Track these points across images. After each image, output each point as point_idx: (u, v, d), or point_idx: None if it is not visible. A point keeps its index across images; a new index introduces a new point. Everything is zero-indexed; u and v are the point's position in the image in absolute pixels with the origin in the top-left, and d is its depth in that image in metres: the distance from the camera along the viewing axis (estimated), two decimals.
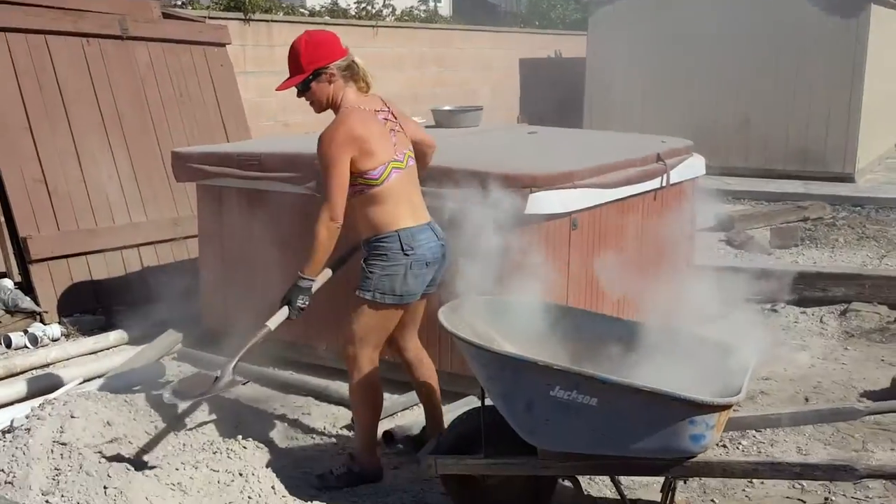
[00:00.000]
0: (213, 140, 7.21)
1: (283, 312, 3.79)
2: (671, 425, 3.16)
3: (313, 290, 3.78)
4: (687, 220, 6.03)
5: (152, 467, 3.84)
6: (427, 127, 6.80)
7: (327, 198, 3.65)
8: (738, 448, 4.34)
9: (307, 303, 3.76)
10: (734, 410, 3.45)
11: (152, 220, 6.77)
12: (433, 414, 4.15)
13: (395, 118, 3.88)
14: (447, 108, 6.87)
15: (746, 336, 5.91)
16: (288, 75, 3.85)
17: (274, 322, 3.79)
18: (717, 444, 4.09)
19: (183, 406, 4.02)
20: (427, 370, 4.14)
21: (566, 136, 6.82)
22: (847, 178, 11.50)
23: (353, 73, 3.80)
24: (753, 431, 4.38)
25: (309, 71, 3.75)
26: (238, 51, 8.50)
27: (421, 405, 4.25)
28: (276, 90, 3.92)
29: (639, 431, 3.20)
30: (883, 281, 6.71)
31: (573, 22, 18.13)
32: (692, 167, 5.98)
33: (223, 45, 7.81)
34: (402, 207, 3.78)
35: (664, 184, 5.53)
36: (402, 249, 3.73)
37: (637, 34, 12.25)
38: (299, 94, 3.83)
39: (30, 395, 4.80)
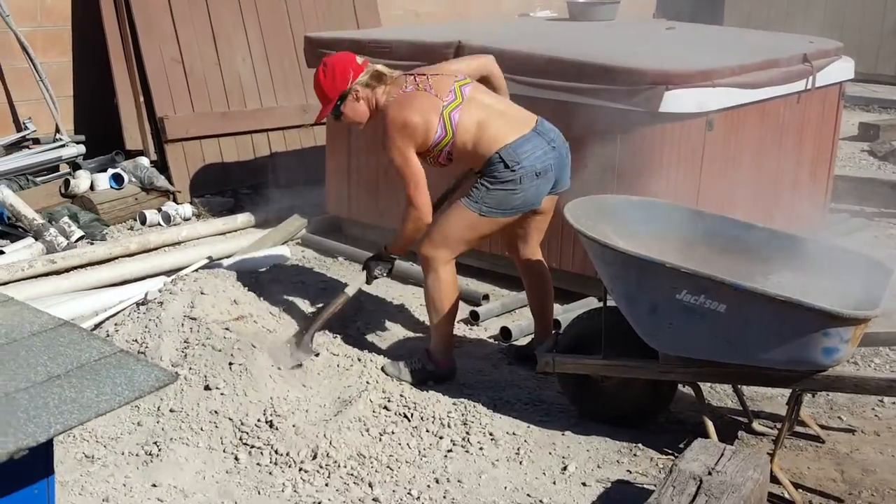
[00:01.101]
0: (345, 27, 7.17)
1: (361, 279, 4.01)
2: (804, 336, 3.04)
3: (392, 267, 4.01)
4: (830, 127, 5.73)
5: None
6: (560, 20, 6.63)
7: (410, 201, 3.73)
8: (869, 365, 4.18)
9: (384, 274, 4.00)
10: (869, 325, 3.29)
11: (282, 106, 6.83)
12: (543, 321, 4.11)
13: (424, 74, 3.85)
14: (582, 0, 6.63)
15: (885, 248, 5.68)
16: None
17: (351, 289, 4.02)
18: (848, 361, 3.94)
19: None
20: (542, 275, 4.08)
21: (706, 32, 6.52)
22: None
23: (379, 79, 3.84)
24: (887, 349, 4.21)
25: (335, 98, 3.83)
26: None
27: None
28: (314, 123, 4.18)
29: (768, 341, 3.09)
30: None
31: None
32: (841, 70, 5.64)
33: None
34: (492, 129, 3.73)
35: (809, 86, 5.24)
36: (508, 167, 3.68)
37: None
38: (336, 119, 3.92)
39: (163, 271, 4.96)
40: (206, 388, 3.51)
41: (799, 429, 3.55)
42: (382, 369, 3.86)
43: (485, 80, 3.98)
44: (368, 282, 4.03)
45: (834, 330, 3.00)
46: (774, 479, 3.16)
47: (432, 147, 3.75)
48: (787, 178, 5.32)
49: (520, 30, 5.95)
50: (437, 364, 3.89)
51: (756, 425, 3.61)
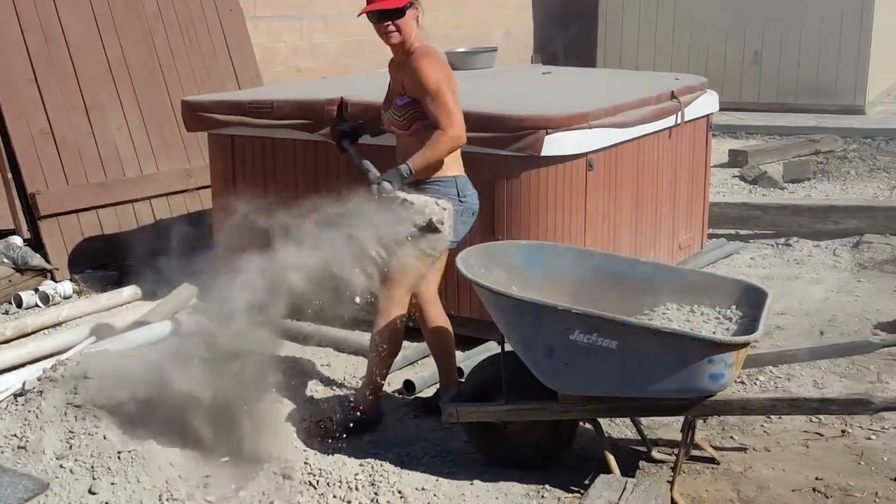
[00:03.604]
0: (224, 88, 7.15)
1: (386, 185, 3.69)
2: (690, 365, 3.18)
3: (405, 184, 3.70)
4: (701, 157, 6.00)
5: (168, 427, 3.83)
6: None
7: (449, 115, 3.68)
8: (755, 384, 4.36)
9: (392, 190, 3.66)
10: (752, 348, 3.46)
11: (164, 172, 6.72)
12: (446, 369, 4.14)
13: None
14: (461, 49, 6.78)
15: (762, 269, 5.95)
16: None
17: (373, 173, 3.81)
18: (735, 381, 4.11)
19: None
20: (443, 325, 4.12)
21: (580, 75, 6.76)
22: (858, 111, 11.40)
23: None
24: (771, 367, 4.40)
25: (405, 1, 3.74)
26: None
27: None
28: (366, 11, 3.78)
29: (658, 372, 3.22)
30: (894, 212, 6.70)
31: None
32: (706, 104, 5.94)
33: None
34: (456, 156, 3.85)
35: (679, 121, 5.49)
36: (458, 195, 3.79)
37: None
38: (382, 21, 3.75)
39: (42, 356, 4.68)
40: (94, 479, 3.38)
41: (695, 452, 3.68)
42: (320, 424, 3.86)
43: None
44: (375, 188, 3.69)
45: (718, 356, 3.14)
46: None
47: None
48: (666, 209, 5.54)
49: None
50: (365, 411, 3.94)
51: (655, 453, 3.73)
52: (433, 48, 3.84)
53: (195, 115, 5.39)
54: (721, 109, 6.54)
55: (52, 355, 4.63)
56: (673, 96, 5.48)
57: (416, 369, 4.60)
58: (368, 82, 6.17)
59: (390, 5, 3.73)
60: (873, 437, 3.88)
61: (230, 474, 3.54)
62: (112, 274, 6.12)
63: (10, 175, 6.03)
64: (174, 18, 7.16)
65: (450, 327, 4.14)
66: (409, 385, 4.37)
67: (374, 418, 3.96)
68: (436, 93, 3.70)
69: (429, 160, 3.71)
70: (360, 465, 3.56)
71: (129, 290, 5.76)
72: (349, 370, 4.66)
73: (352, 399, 4.01)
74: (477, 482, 3.49)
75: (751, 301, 3.50)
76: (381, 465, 3.55)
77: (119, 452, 3.48)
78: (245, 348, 3.99)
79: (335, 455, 3.66)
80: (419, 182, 3.78)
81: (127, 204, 6.49)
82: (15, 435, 3.63)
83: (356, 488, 3.42)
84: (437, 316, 4.10)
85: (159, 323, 5.06)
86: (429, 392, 4.31)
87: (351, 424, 3.85)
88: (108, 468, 3.41)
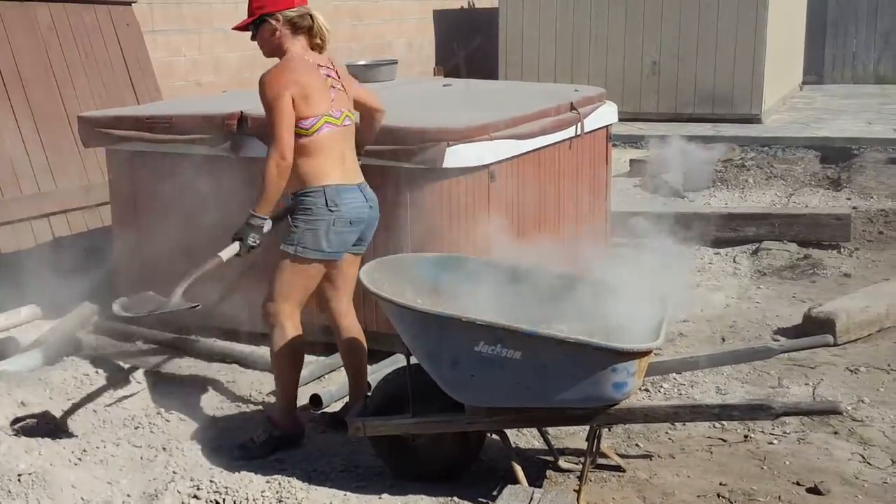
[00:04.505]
0: (123, 102, 7.00)
1: (234, 248, 3.73)
2: (594, 374, 3.22)
3: (265, 230, 3.73)
4: (602, 167, 6.10)
5: (71, 448, 3.76)
6: None
7: (274, 136, 3.66)
8: (659, 391, 4.44)
9: (258, 242, 3.72)
10: (654, 355, 3.52)
11: (62, 189, 6.55)
12: (357, 383, 4.14)
13: (339, 77, 3.91)
14: (362, 62, 6.78)
15: (665, 276, 6.07)
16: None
17: (225, 254, 3.73)
18: (640, 389, 4.18)
19: (132, 314, 3.77)
20: (356, 338, 4.12)
21: (481, 87, 6.81)
22: (754, 120, 11.74)
23: (305, 27, 3.83)
24: (674, 374, 4.49)
25: (256, 15, 3.80)
26: (145, 9, 8.23)
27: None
28: (232, 29, 4.01)
29: (563, 382, 3.25)
30: (791, 219, 6.94)
31: None
32: (605, 115, 6.04)
33: (129, 3, 7.56)
34: (332, 164, 3.79)
35: (579, 132, 5.57)
36: (327, 205, 3.74)
37: None
38: (252, 38, 3.88)
39: None
40: None
41: (601, 461, 3.73)
42: (237, 458, 3.81)
43: (366, 118, 4.10)
44: (244, 253, 3.75)
45: (621, 365, 3.19)
46: None
47: (296, 121, 3.71)
48: (569, 219, 5.62)
49: None
50: (283, 428, 3.89)
51: (562, 462, 3.77)
52: (296, 60, 3.78)
53: (92, 131, 5.28)
54: (621, 120, 6.67)
55: None
56: (573, 107, 5.56)
57: (323, 383, 4.57)
58: None
59: (241, 24, 3.88)
60: (775, 441, 3.98)
61: (135, 494, 3.47)
62: (9, 293, 5.96)
63: None
64: (69, 32, 6.99)
65: (364, 341, 4.14)
66: (315, 400, 4.33)
67: (293, 433, 3.94)
68: (267, 111, 3.71)
69: (267, 194, 3.68)
70: (267, 482, 3.51)
71: (28, 310, 5.65)
72: (255, 385, 4.61)
73: (270, 415, 3.97)
74: (385, 496, 3.48)
75: (652, 309, 3.55)
76: (289, 482, 3.51)
77: (20, 475, 3.39)
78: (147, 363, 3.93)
79: (241, 472, 3.60)
80: (291, 196, 3.80)
81: (24, 222, 6.32)
82: None
83: None
84: (349, 328, 4.10)
85: (62, 341, 4.96)
86: (336, 406, 4.28)
87: (275, 446, 3.85)
88: (9, 491, 3.33)
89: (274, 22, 3.78)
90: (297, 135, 3.72)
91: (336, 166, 3.81)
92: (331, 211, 3.75)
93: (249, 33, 3.89)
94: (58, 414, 3.95)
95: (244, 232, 3.70)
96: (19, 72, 6.57)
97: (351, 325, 4.11)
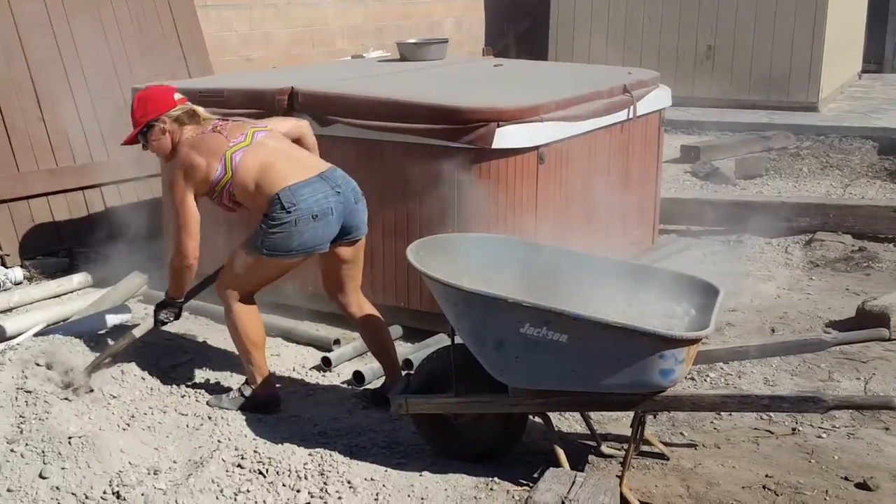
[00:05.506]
0: (175, 76, 7.04)
1: (149, 323, 4.11)
2: (641, 360, 3.17)
3: (180, 308, 4.11)
4: (653, 152, 6.02)
5: (119, 413, 3.81)
6: (392, 61, 6.72)
7: (177, 242, 3.88)
8: (705, 380, 4.38)
9: (171, 319, 4.10)
10: (703, 344, 3.47)
11: (114, 159, 6.62)
12: (389, 365, 4.16)
13: (228, 119, 4.04)
14: (412, 41, 6.75)
15: (712, 265, 5.99)
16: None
17: (139, 331, 4.11)
18: (686, 377, 4.13)
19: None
20: (374, 322, 4.14)
21: (532, 68, 6.75)
22: (811, 108, 11.49)
23: (192, 118, 3.98)
24: (721, 363, 4.42)
25: (142, 124, 3.96)
26: None
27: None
28: (122, 145, 4.21)
29: (609, 367, 3.21)
30: (847, 210, 6.78)
31: None
32: (659, 99, 5.95)
33: None
34: (275, 171, 3.82)
35: (631, 116, 5.50)
36: (285, 208, 3.76)
37: None
38: (144, 148, 4.07)
39: None
40: (45, 463, 3.35)
41: (644, 448, 3.69)
42: (207, 403, 3.96)
43: (297, 142, 4.12)
44: (156, 326, 4.11)
45: (669, 352, 3.14)
46: (625, 501, 3.27)
47: (213, 186, 3.86)
48: (617, 203, 5.55)
49: (353, 72, 6.00)
50: (256, 393, 3.97)
51: (604, 448, 3.73)
52: (183, 145, 3.89)
53: None
54: (674, 104, 6.56)
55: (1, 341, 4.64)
56: (625, 90, 5.49)
57: (366, 360, 4.57)
58: (319, 72, 6.13)
59: (132, 135, 4.03)
60: (824, 435, 3.91)
61: (181, 461, 3.51)
62: (62, 261, 6.12)
63: None
64: (124, 5, 7.05)
65: (381, 320, 4.17)
66: (358, 376, 4.34)
67: (265, 399, 4.00)
68: (174, 208, 3.89)
69: (175, 285, 4.00)
70: (310, 454, 3.53)
71: (80, 277, 5.76)
72: (298, 359, 4.64)
73: (246, 380, 4.05)
74: (426, 474, 3.47)
75: (702, 297, 3.51)
76: (331, 455, 3.52)
77: (70, 438, 3.45)
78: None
79: (284, 444, 3.63)
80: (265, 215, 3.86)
81: (77, 191, 6.43)
82: None
83: (305, 477, 3.40)
84: (361, 308, 4.14)
85: (111, 310, 5.03)
86: (378, 383, 4.29)
87: (244, 405, 3.96)
88: (59, 453, 3.39)
89: (159, 127, 3.93)
90: (227, 184, 3.83)
91: (280, 170, 3.83)
92: (289, 213, 3.76)
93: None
94: (108, 380, 4.00)
95: (160, 309, 4.07)
96: (75, 43, 6.64)
97: (366, 311, 4.14)
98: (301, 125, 4.19)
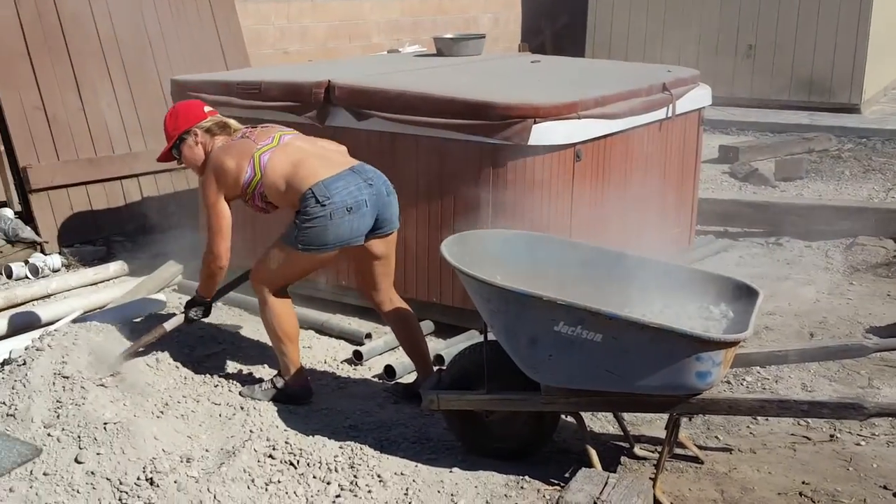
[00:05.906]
0: (213, 68, 7.08)
1: (179, 319, 4.14)
2: (677, 362, 3.13)
3: (209, 306, 4.16)
4: (692, 152, 5.95)
5: (154, 401, 3.83)
6: (428, 55, 6.70)
7: (209, 245, 3.94)
8: (742, 384, 4.32)
9: (200, 316, 4.14)
10: (741, 347, 3.42)
11: (152, 150, 6.65)
12: (421, 361, 4.15)
13: (257, 127, 4.08)
14: (449, 35, 6.73)
15: (750, 268, 5.91)
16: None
17: (171, 324, 4.14)
18: (721, 381, 4.07)
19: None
20: (406, 318, 4.14)
21: (570, 65, 6.70)
22: (853, 109, 11.34)
23: (223, 129, 4.05)
24: (758, 367, 4.36)
25: (175, 137, 4.04)
26: None
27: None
28: (157, 161, 4.27)
29: (644, 368, 3.17)
30: (889, 214, 6.65)
31: None
32: (698, 97, 5.87)
33: None
34: (306, 168, 3.85)
35: (670, 114, 5.44)
36: (319, 202, 3.77)
37: None
38: (179, 163, 4.14)
39: (30, 327, 4.78)
40: (81, 448, 3.39)
41: (678, 451, 3.64)
42: (240, 393, 4.00)
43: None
44: (187, 323, 4.16)
45: (706, 354, 3.09)
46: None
47: (244, 189, 3.90)
48: (654, 203, 5.49)
49: (389, 66, 5.99)
50: (287, 384, 4.00)
51: (637, 450, 3.69)
52: (215, 152, 3.96)
53: (184, 94, 5.32)
54: (713, 104, 6.48)
55: (40, 326, 4.73)
56: (664, 89, 5.42)
57: (397, 355, 4.55)
58: (355, 66, 6.12)
59: (166, 149, 4.09)
60: (862, 443, 3.84)
61: (213, 450, 3.52)
62: (100, 249, 6.18)
63: (2, 148, 6.10)
64: None
65: (413, 316, 4.17)
66: (389, 370, 4.33)
67: (298, 390, 4.03)
68: (207, 211, 3.94)
69: (206, 284, 4.06)
70: (340, 447, 3.53)
71: (116, 266, 5.83)
72: (330, 352, 4.64)
73: (279, 371, 4.08)
74: (456, 470, 3.45)
75: (741, 299, 3.45)
76: (361, 449, 3.51)
77: (105, 423, 3.48)
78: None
79: (315, 436, 3.63)
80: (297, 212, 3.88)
81: (115, 181, 6.52)
82: (3, 402, 3.66)
83: (336, 470, 3.39)
84: (392, 302, 4.15)
85: (147, 298, 5.10)
86: (409, 378, 4.27)
87: (276, 397, 3.99)
88: (95, 438, 3.42)
89: (192, 137, 4.01)
90: (258, 186, 3.87)
91: (311, 166, 3.85)
92: (323, 206, 3.77)
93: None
94: (142, 367, 4.03)
95: (190, 306, 4.13)
96: (116, 34, 6.70)
97: (398, 308, 4.15)
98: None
